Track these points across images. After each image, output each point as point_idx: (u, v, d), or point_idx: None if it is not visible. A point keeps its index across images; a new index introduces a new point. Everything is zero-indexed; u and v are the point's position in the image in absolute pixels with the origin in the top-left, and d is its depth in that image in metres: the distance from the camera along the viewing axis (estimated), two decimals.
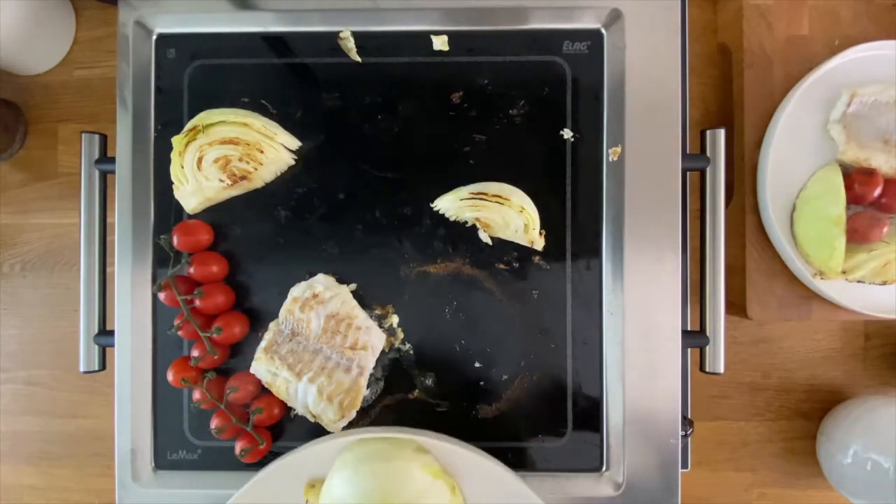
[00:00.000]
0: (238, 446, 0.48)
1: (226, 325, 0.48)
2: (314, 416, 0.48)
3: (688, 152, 0.51)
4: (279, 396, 0.48)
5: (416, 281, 0.50)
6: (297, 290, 0.49)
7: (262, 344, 0.49)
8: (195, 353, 0.48)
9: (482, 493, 0.45)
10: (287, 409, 0.50)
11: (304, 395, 0.48)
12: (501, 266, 0.50)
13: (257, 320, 0.50)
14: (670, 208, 0.48)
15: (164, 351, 0.50)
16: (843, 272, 0.59)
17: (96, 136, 0.52)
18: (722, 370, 0.51)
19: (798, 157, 0.60)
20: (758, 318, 0.63)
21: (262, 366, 0.48)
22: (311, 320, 0.48)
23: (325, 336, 0.48)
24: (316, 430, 0.49)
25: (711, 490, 0.72)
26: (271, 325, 0.49)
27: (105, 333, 0.52)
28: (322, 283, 0.49)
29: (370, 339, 0.49)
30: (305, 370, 0.48)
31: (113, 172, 0.50)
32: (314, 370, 0.48)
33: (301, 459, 0.45)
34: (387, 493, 0.42)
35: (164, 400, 0.50)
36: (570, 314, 0.50)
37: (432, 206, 0.50)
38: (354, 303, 0.49)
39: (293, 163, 0.50)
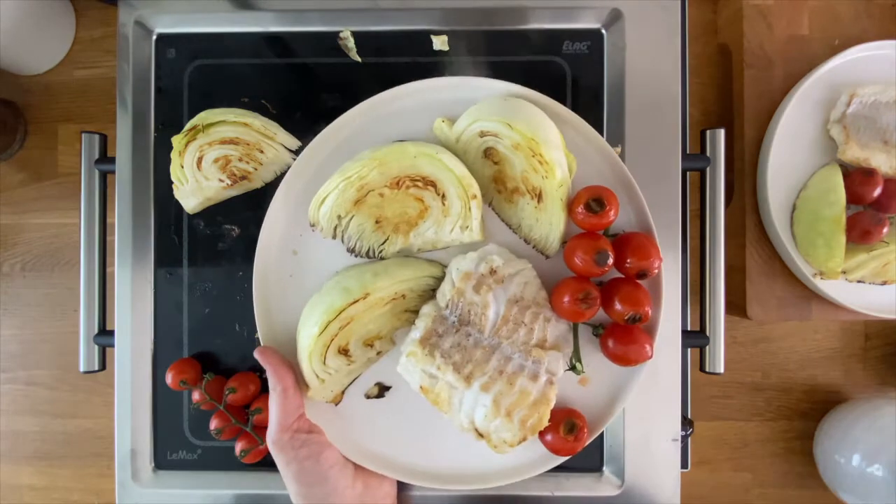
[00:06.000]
0: (238, 447, 0.48)
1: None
2: (481, 435, 0.36)
3: (688, 152, 0.51)
4: (436, 406, 0.36)
5: None
6: (467, 263, 0.36)
7: (417, 334, 0.36)
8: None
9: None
10: None
11: (472, 407, 0.36)
12: None
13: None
14: (670, 208, 0.48)
15: (163, 351, 0.50)
16: (843, 272, 0.59)
17: (96, 136, 0.52)
18: (722, 370, 0.51)
19: (798, 157, 0.60)
20: (758, 318, 0.63)
21: (415, 364, 0.36)
22: (489, 305, 0.35)
23: (504, 328, 0.36)
24: None
25: (711, 490, 0.72)
26: (427, 308, 0.36)
27: (105, 333, 0.52)
28: (498, 254, 0.37)
29: (560, 334, 0.37)
30: (477, 373, 0.36)
31: (113, 172, 0.50)
32: (489, 374, 0.36)
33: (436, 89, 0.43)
34: (533, 123, 0.37)
35: (163, 400, 0.50)
36: None
37: None
38: (539, 283, 0.37)
39: (293, 163, 0.50)
